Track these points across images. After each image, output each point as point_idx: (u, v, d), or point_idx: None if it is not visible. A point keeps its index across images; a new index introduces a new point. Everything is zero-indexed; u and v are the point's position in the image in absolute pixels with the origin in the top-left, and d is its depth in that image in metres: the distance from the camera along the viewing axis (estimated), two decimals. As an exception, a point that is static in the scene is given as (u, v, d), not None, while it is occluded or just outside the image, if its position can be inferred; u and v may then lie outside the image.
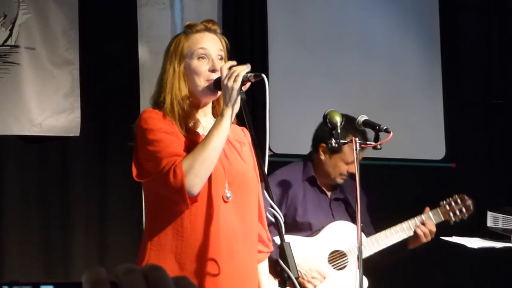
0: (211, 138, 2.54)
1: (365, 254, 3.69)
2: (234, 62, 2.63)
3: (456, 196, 4.00)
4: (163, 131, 2.62)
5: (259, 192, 2.77)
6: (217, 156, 2.56)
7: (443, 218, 3.92)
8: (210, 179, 2.60)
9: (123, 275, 0.73)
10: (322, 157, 3.85)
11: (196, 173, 2.51)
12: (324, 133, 3.79)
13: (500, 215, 4.19)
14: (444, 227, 4.40)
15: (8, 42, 4.52)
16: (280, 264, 2.39)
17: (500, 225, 4.19)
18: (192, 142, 2.65)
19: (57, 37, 4.63)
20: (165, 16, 4.98)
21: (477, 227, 4.31)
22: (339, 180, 3.87)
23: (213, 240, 2.61)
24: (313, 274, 3.70)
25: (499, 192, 5.46)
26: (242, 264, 2.67)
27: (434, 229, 3.87)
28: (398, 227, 3.86)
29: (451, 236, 4.14)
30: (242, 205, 2.68)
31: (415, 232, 3.85)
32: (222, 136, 2.55)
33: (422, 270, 5.32)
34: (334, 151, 3.77)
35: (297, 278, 2.37)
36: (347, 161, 3.77)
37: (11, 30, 4.53)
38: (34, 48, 4.57)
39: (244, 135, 2.81)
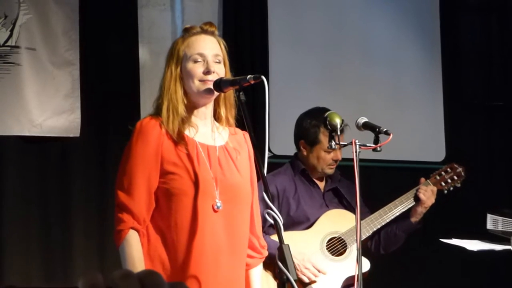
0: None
1: (363, 235, 3.70)
2: None
3: (446, 166, 4.01)
4: (141, 162, 2.67)
5: (252, 203, 2.77)
6: None
7: (435, 188, 3.92)
8: (198, 189, 2.62)
9: (119, 281, 0.73)
10: (304, 152, 3.90)
11: (120, 254, 2.72)
12: (301, 130, 3.91)
13: (500, 218, 4.19)
14: (444, 230, 4.40)
15: (9, 43, 4.53)
16: (279, 266, 2.38)
17: (499, 228, 4.19)
18: (183, 148, 2.66)
19: (57, 38, 4.63)
20: (165, 17, 4.99)
21: (476, 230, 4.31)
22: (328, 171, 3.89)
23: (199, 252, 2.62)
24: (306, 264, 3.69)
25: (499, 194, 5.46)
26: (227, 276, 2.67)
27: (435, 189, 3.88)
28: (391, 204, 3.86)
29: (450, 238, 4.14)
30: (232, 216, 2.68)
31: (417, 198, 3.85)
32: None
33: (421, 273, 5.32)
34: (312, 143, 3.85)
35: (296, 280, 2.37)
36: (327, 149, 3.79)
37: (11, 31, 4.53)
38: (34, 48, 4.58)
39: (244, 141, 2.80)
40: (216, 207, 2.64)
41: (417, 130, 5.48)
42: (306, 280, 3.69)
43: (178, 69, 2.71)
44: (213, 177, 2.66)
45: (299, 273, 3.66)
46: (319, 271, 3.71)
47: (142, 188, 2.66)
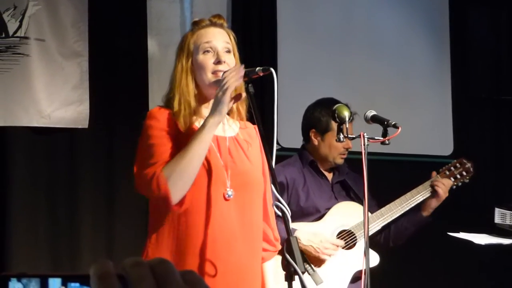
0: (190, 149, 2.54)
1: (372, 230, 3.70)
2: (240, 68, 2.59)
3: (455, 161, 4.00)
4: (161, 135, 2.64)
5: (264, 192, 2.77)
6: (197, 166, 2.56)
7: (450, 182, 3.92)
8: (209, 177, 2.62)
9: (130, 268, 0.73)
10: (315, 142, 3.89)
11: (173, 183, 2.53)
12: (311, 119, 3.91)
13: (508, 212, 4.19)
14: (451, 224, 4.39)
15: (18, 34, 4.53)
16: (286, 258, 2.39)
17: (507, 222, 4.19)
18: None
19: (66, 29, 4.64)
20: (174, 9, 4.98)
21: (484, 224, 4.30)
22: (339, 160, 3.89)
23: (209, 238, 2.61)
24: (325, 245, 3.69)
25: (507, 188, 5.45)
26: (241, 262, 2.66)
27: (450, 182, 3.87)
28: (402, 198, 3.86)
29: (458, 232, 4.14)
30: (243, 204, 2.68)
31: (434, 190, 3.84)
32: (202, 147, 2.55)
33: (429, 266, 5.32)
34: (324, 131, 3.83)
35: (303, 273, 2.37)
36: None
37: (21, 22, 4.54)
38: (43, 39, 4.58)
39: (255, 134, 2.79)
40: (227, 195, 2.64)
41: (425, 124, 5.47)
42: (329, 258, 3.70)
43: (189, 62, 2.72)
44: (224, 165, 2.66)
45: (320, 255, 3.68)
46: (337, 246, 3.73)
47: (164, 146, 2.62)
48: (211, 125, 2.54)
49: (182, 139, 2.64)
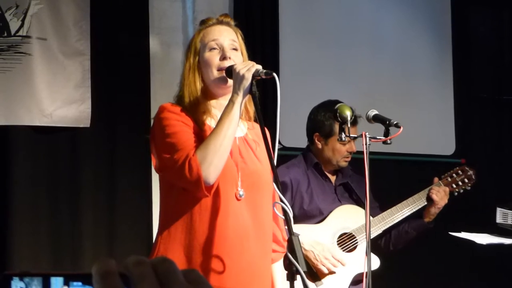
0: (222, 126, 2.54)
1: (373, 233, 3.70)
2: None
3: (457, 168, 4.01)
4: (180, 124, 2.64)
5: (273, 192, 2.77)
6: (229, 143, 2.56)
7: (447, 189, 3.93)
8: (222, 176, 2.61)
9: (133, 267, 0.73)
10: (319, 145, 3.90)
11: (210, 162, 2.51)
12: (315, 123, 3.90)
13: (509, 212, 4.19)
14: (452, 224, 4.39)
15: (20, 33, 4.53)
16: (288, 257, 2.38)
17: (509, 222, 4.19)
18: (203, 137, 2.65)
19: (68, 28, 4.64)
20: (176, 8, 4.99)
21: (486, 223, 4.30)
22: (343, 163, 3.89)
23: (222, 236, 2.61)
24: (326, 255, 3.69)
25: (508, 188, 5.45)
26: (253, 261, 2.66)
27: (447, 189, 3.88)
28: (403, 203, 3.87)
29: (459, 231, 4.13)
30: (255, 203, 2.68)
31: (430, 198, 3.86)
32: (232, 123, 2.55)
33: (430, 266, 5.32)
34: (328, 135, 3.84)
35: (305, 272, 2.36)
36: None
37: (23, 21, 4.54)
38: (45, 38, 4.58)
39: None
40: (239, 195, 2.64)
41: (427, 123, 5.47)
42: (326, 271, 3.69)
43: (196, 60, 2.72)
44: (235, 165, 2.66)
45: (318, 264, 3.67)
46: (338, 262, 3.71)
47: (188, 133, 2.62)
48: (238, 102, 2.55)
49: (197, 132, 2.65)
